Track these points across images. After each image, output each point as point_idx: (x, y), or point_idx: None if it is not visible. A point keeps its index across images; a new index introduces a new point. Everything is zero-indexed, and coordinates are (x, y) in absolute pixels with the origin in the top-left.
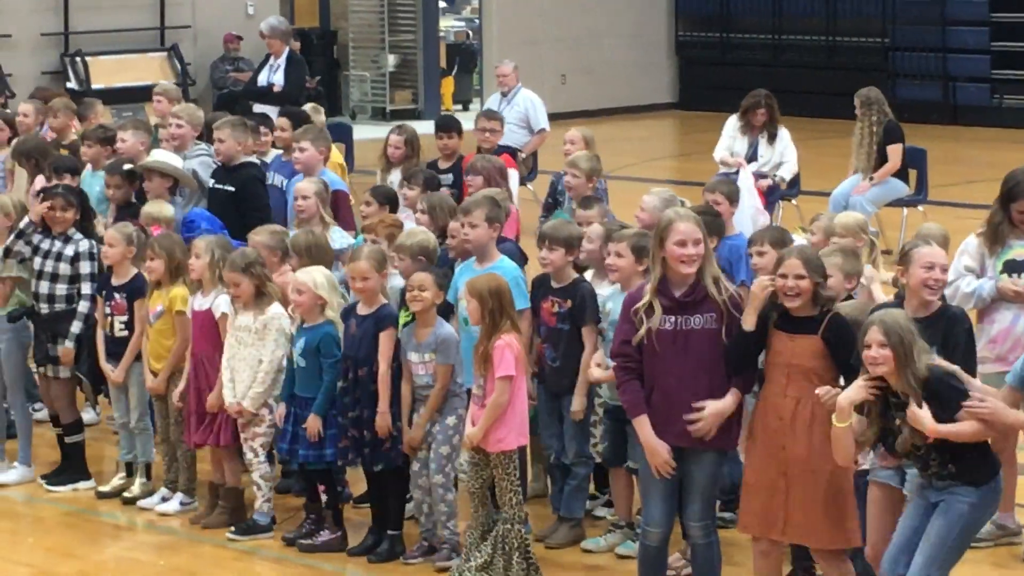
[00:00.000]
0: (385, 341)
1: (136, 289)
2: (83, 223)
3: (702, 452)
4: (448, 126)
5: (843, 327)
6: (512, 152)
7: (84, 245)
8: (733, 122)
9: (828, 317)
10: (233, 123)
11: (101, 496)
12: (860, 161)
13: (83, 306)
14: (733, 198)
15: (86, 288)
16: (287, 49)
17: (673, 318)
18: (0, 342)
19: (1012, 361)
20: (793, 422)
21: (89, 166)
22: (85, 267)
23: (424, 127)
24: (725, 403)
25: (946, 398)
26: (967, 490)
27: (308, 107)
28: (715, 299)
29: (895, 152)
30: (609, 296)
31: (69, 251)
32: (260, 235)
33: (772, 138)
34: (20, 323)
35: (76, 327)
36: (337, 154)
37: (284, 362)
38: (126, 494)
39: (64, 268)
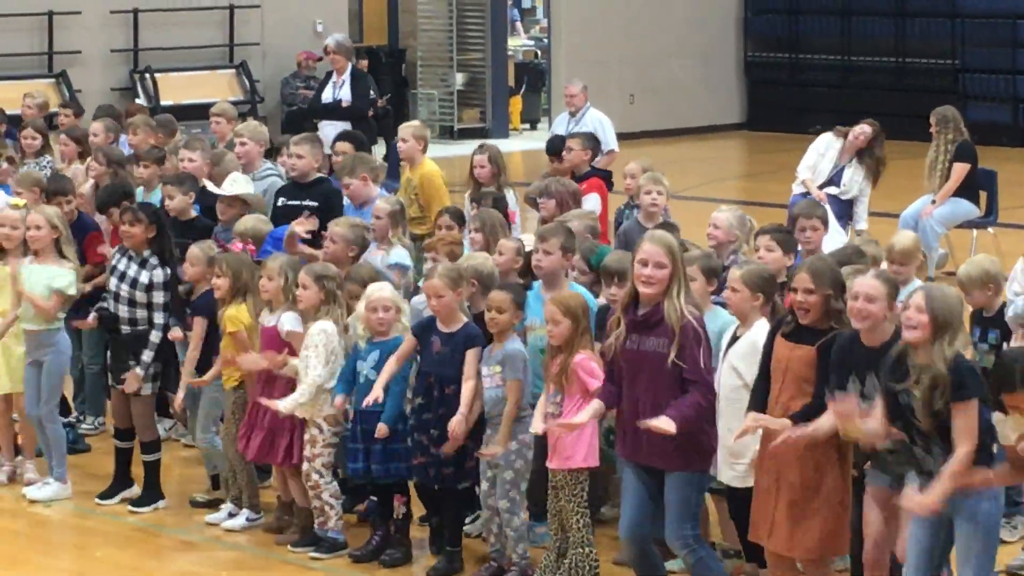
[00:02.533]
0: (471, 358)
1: (200, 306)
2: (160, 243)
3: (667, 473)
4: (557, 150)
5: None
6: (604, 176)
7: (159, 275)
8: (827, 138)
9: (833, 334)
10: (312, 140)
11: (195, 505)
12: (933, 182)
13: (155, 336)
14: (827, 223)
15: (159, 318)
16: (350, 65)
17: (632, 336)
18: (46, 355)
19: None
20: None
21: (143, 188)
22: (159, 297)
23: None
24: (661, 423)
25: (962, 385)
26: (987, 493)
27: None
28: (670, 323)
29: (959, 171)
30: None
31: (144, 279)
32: (340, 226)
33: (869, 175)
34: (62, 338)
35: (147, 356)
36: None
37: (330, 380)
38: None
39: (140, 296)
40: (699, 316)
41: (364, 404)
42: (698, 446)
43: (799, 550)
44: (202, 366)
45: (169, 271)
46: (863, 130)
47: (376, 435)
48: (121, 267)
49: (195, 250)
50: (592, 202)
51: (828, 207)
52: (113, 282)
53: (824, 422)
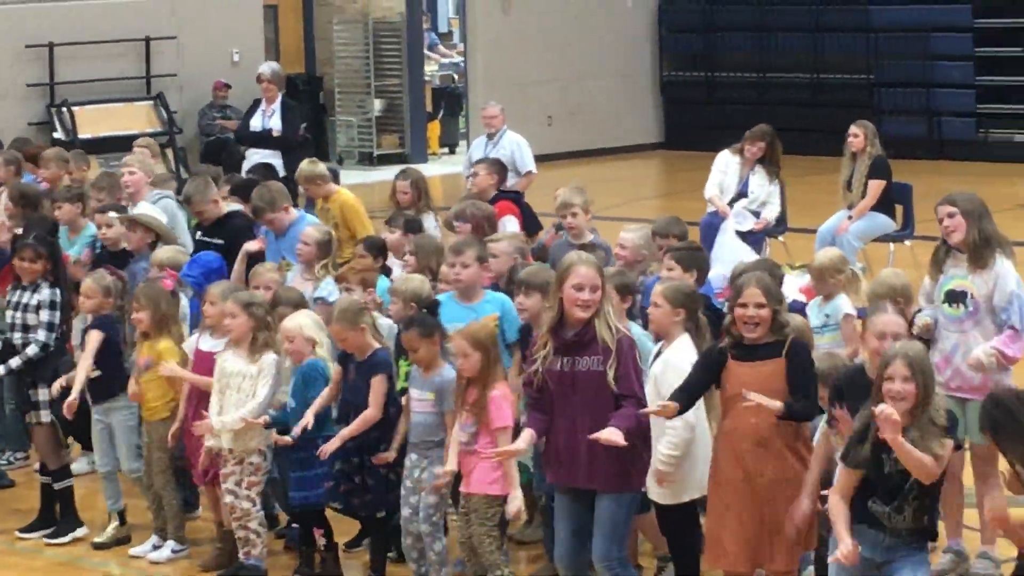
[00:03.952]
0: (376, 387)
1: (96, 323)
2: (54, 271)
3: (600, 494)
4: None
5: (805, 350)
6: (514, 198)
7: (46, 294)
8: (725, 155)
9: (791, 340)
10: (196, 187)
11: (97, 547)
12: (853, 195)
13: (32, 349)
14: (683, 239)
15: (40, 335)
16: (281, 95)
17: (563, 358)
18: None
19: (952, 388)
20: (767, 447)
21: (66, 227)
22: (44, 315)
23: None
24: (609, 434)
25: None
26: (922, 542)
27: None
28: (603, 341)
29: (874, 188)
30: None
31: (34, 300)
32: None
33: (772, 176)
34: None
35: (15, 363)
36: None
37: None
38: (96, 539)
39: (31, 318)
40: (629, 332)
41: (293, 434)
42: (635, 464)
43: (779, 563)
44: (104, 391)
45: (57, 291)
46: (759, 144)
47: (278, 442)
48: (15, 299)
49: (88, 282)
50: (511, 225)
51: (735, 222)
52: (10, 314)
53: (813, 471)
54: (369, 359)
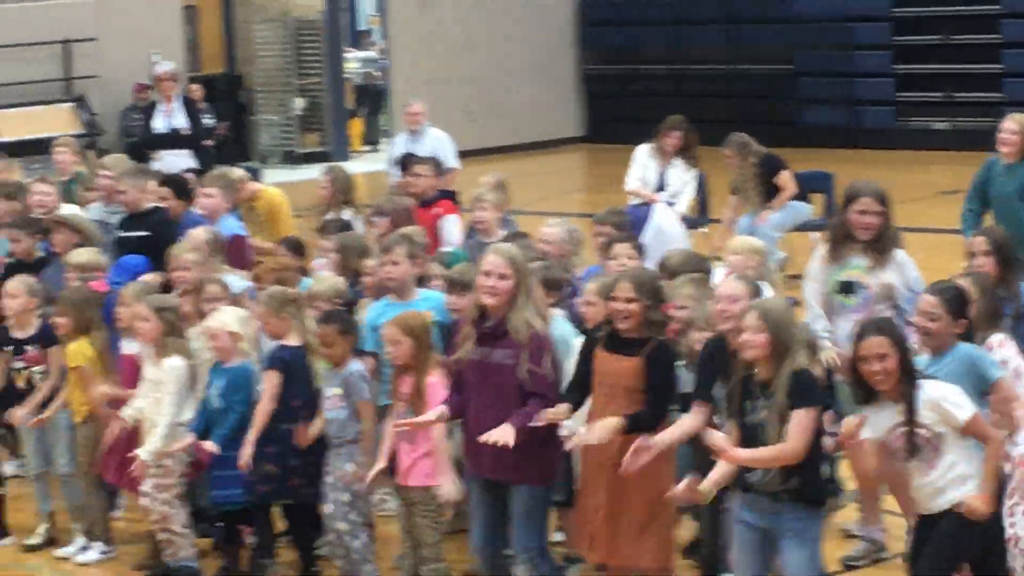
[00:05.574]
0: (266, 379)
1: (48, 337)
2: None
3: (515, 486)
4: (406, 165)
5: (666, 354)
6: (451, 196)
7: None
8: (644, 149)
9: (655, 341)
10: (132, 172)
11: (30, 549)
12: (752, 202)
13: None
14: (622, 227)
15: None
16: (180, 94)
17: (479, 349)
18: None
19: None
20: (612, 441)
21: None
22: None
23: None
24: (499, 434)
25: (799, 394)
26: (809, 511)
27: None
28: (515, 335)
29: (786, 178)
30: None
31: None
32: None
33: (690, 167)
34: None
35: None
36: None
37: (182, 416)
38: (27, 541)
39: None
40: (545, 328)
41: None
42: (542, 459)
43: (646, 560)
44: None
45: None
46: (674, 134)
47: (199, 453)
48: None
49: (15, 284)
50: (454, 224)
51: (666, 212)
52: None
53: (672, 432)
54: (272, 352)
